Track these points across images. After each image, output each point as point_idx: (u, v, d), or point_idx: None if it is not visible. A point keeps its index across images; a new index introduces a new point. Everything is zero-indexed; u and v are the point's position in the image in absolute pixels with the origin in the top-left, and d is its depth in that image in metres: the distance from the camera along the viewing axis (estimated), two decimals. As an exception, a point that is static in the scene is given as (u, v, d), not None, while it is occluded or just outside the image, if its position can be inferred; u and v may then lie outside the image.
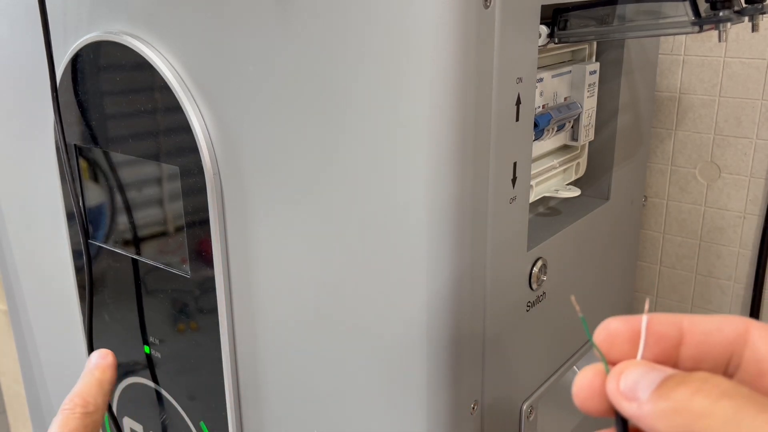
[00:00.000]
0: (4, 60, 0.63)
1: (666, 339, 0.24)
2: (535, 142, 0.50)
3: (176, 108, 0.49)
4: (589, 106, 0.55)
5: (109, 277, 0.60)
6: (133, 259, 0.57)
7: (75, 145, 0.58)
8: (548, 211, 0.58)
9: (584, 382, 0.24)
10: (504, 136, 0.42)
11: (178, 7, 0.47)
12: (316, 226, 0.45)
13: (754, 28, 0.48)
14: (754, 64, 0.70)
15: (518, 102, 0.43)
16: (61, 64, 0.56)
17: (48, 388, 0.77)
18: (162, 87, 0.49)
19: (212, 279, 0.51)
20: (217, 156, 0.49)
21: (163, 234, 0.54)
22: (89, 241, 0.60)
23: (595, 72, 0.55)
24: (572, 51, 0.56)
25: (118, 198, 0.57)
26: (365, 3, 0.38)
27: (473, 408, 0.46)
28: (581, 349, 0.59)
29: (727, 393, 0.21)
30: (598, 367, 0.24)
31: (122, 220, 0.57)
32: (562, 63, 0.55)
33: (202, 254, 0.51)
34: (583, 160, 0.60)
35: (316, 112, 0.42)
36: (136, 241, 0.57)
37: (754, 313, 0.76)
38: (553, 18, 0.48)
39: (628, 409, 0.23)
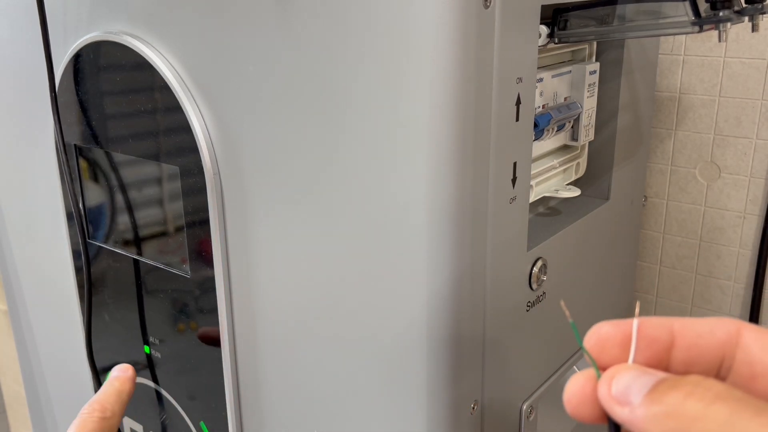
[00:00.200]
0: (4, 60, 0.63)
1: (657, 343, 0.24)
2: (535, 142, 0.50)
3: (176, 108, 0.49)
4: (589, 106, 0.55)
5: (109, 277, 0.60)
6: (133, 259, 0.57)
7: (75, 145, 0.58)
8: (548, 211, 0.58)
9: (575, 388, 0.24)
10: (504, 136, 0.42)
11: (178, 7, 0.47)
12: (316, 226, 0.45)
13: (754, 28, 0.48)
14: (754, 64, 0.70)
15: (518, 102, 0.43)
16: (61, 64, 0.56)
17: (48, 388, 0.77)
18: (162, 87, 0.49)
19: (212, 279, 0.51)
20: (217, 156, 0.49)
21: (163, 234, 0.54)
22: (89, 241, 0.60)
23: (595, 72, 0.55)
24: (572, 51, 0.56)
25: (118, 198, 0.57)
26: (365, 3, 0.38)
27: (473, 408, 0.46)
28: (581, 349, 0.59)
29: (720, 396, 0.20)
30: (589, 372, 0.24)
31: (122, 220, 0.57)
32: (562, 63, 0.55)
33: (202, 254, 0.51)
34: (583, 160, 0.60)
35: (316, 112, 0.42)
36: (136, 241, 0.57)
37: (754, 312, 0.76)
38: (553, 18, 0.48)
39: (620, 413, 0.22)
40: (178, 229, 0.53)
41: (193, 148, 0.49)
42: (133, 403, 0.63)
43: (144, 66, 0.49)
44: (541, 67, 0.51)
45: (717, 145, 0.75)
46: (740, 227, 0.76)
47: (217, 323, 0.52)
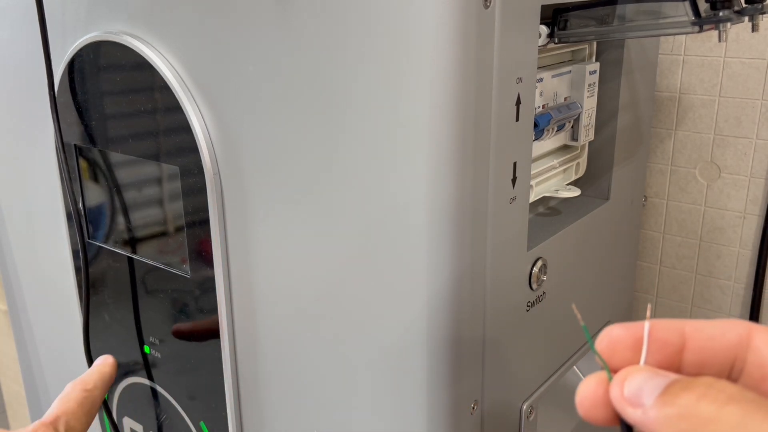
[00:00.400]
0: (3, 60, 0.63)
1: (668, 345, 0.24)
2: (535, 142, 0.50)
3: (176, 108, 0.49)
4: (589, 106, 0.55)
5: (108, 277, 0.60)
6: (132, 259, 0.57)
7: (75, 145, 0.58)
8: (548, 211, 0.58)
9: (587, 391, 0.24)
10: (504, 136, 0.42)
11: (178, 7, 0.47)
12: (316, 226, 0.45)
13: (754, 28, 0.48)
14: (754, 64, 0.70)
15: (518, 102, 0.43)
16: (60, 64, 0.56)
17: (48, 388, 0.77)
18: (162, 87, 0.49)
19: (212, 279, 0.51)
20: (217, 156, 0.49)
21: (163, 234, 0.54)
22: (89, 241, 0.60)
23: (595, 72, 0.55)
24: (572, 51, 0.56)
25: (118, 198, 0.57)
26: (365, 3, 0.38)
27: (473, 408, 0.46)
28: (581, 349, 0.59)
29: (733, 398, 0.20)
30: (600, 375, 0.24)
31: (122, 220, 0.57)
32: (562, 63, 0.55)
33: (202, 254, 0.51)
34: (583, 160, 0.60)
35: (316, 112, 0.42)
36: (136, 241, 0.57)
37: (754, 312, 0.76)
38: (553, 18, 0.48)
39: (632, 415, 0.22)
40: (178, 229, 0.52)
41: (193, 148, 0.49)
42: (133, 403, 0.63)
43: (144, 66, 0.49)
44: (541, 67, 0.51)
45: (717, 145, 0.75)
46: (740, 227, 0.76)
47: (216, 323, 0.52)
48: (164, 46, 0.49)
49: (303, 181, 0.45)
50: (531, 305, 0.50)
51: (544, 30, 0.47)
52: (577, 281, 0.57)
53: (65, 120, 0.58)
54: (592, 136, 0.58)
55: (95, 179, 0.58)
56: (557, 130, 0.53)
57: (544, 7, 0.44)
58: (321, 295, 0.46)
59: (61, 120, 0.56)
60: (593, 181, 0.61)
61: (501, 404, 0.49)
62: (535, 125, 0.48)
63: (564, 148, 0.58)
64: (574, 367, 0.59)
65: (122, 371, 0.62)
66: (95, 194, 0.59)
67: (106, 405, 0.59)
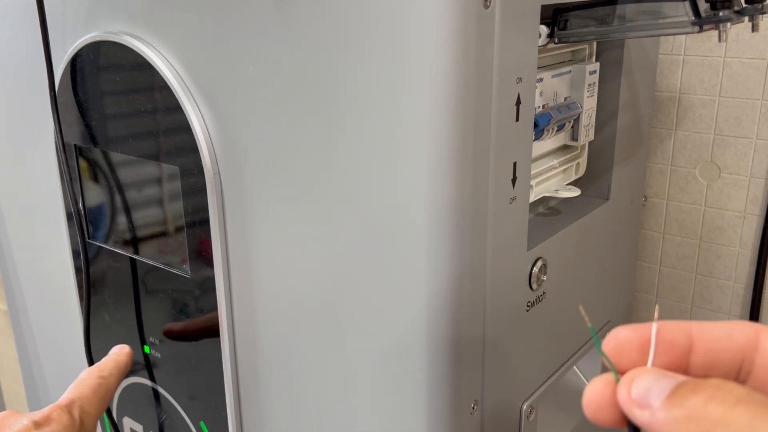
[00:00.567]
0: (4, 60, 0.63)
1: (676, 347, 0.24)
2: (535, 142, 0.50)
3: (176, 108, 0.49)
4: (589, 106, 0.55)
5: (109, 277, 0.60)
6: (133, 259, 0.57)
7: (75, 145, 0.58)
8: (548, 211, 0.58)
9: (594, 393, 0.24)
10: (504, 136, 0.42)
11: (178, 7, 0.47)
12: (316, 226, 0.45)
13: (754, 28, 0.48)
14: (754, 64, 0.70)
15: (518, 102, 0.43)
16: (61, 64, 0.56)
17: (48, 388, 0.77)
18: (162, 87, 0.49)
19: (212, 279, 0.51)
20: (217, 156, 0.49)
21: (163, 234, 0.54)
22: (89, 241, 0.60)
23: (595, 72, 0.55)
24: (572, 51, 0.56)
25: (118, 198, 0.57)
26: (365, 3, 0.38)
27: (473, 408, 0.46)
28: (581, 349, 0.59)
29: (742, 400, 0.20)
30: (607, 377, 0.24)
31: (122, 220, 0.57)
32: (562, 63, 0.55)
33: (202, 254, 0.51)
34: (583, 160, 0.60)
35: (316, 111, 0.42)
36: (136, 241, 0.57)
37: (754, 312, 0.76)
38: (553, 18, 0.48)
39: (640, 416, 0.22)
40: (178, 229, 0.52)
41: (193, 148, 0.49)
42: (133, 403, 0.63)
43: (144, 66, 0.49)
44: (541, 67, 0.51)
45: (717, 145, 0.75)
46: (740, 227, 0.76)
47: (216, 323, 0.52)
48: (164, 46, 0.49)
49: (303, 181, 0.45)
50: (531, 305, 0.50)
51: (544, 30, 0.47)
52: (577, 281, 0.57)
53: (65, 120, 0.58)
54: (592, 136, 0.58)
55: (95, 179, 0.58)
56: (557, 130, 0.53)
57: (544, 7, 0.44)
58: (321, 295, 0.46)
59: (61, 120, 0.56)
60: (593, 181, 0.61)
61: (501, 404, 0.49)
62: (535, 125, 0.48)
63: (564, 148, 0.58)
64: (574, 367, 0.59)
65: (122, 371, 0.62)
66: (95, 194, 0.59)
67: (106, 405, 0.59)
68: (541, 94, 0.51)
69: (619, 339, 0.24)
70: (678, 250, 0.80)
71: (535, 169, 0.53)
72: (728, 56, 0.72)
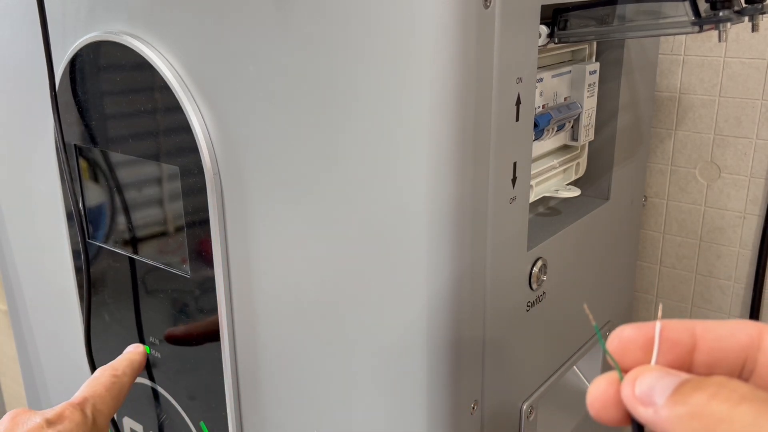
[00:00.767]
0: (4, 60, 0.63)
1: (679, 345, 0.24)
2: (535, 142, 0.50)
3: (176, 108, 0.49)
4: (589, 106, 0.55)
5: (109, 277, 0.60)
6: (133, 259, 0.57)
7: (75, 145, 0.58)
8: (548, 211, 0.58)
9: (598, 391, 0.24)
10: (504, 136, 0.42)
11: (178, 7, 0.47)
12: (316, 226, 0.45)
13: (754, 28, 0.48)
14: (754, 64, 0.70)
15: (518, 102, 0.43)
16: (61, 64, 0.56)
17: (48, 388, 0.77)
18: (162, 87, 0.49)
19: (212, 279, 0.51)
20: (217, 156, 0.49)
21: (163, 234, 0.54)
22: (89, 241, 0.60)
23: (595, 72, 0.55)
24: (572, 51, 0.56)
25: (118, 198, 0.57)
26: (365, 3, 0.38)
27: (473, 408, 0.46)
28: (581, 349, 0.59)
29: (746, 397, 0.20)
30: (611, 375, 0.24)
31: (122, 220, 0.57)
32: (562, 63, 0.55)
33: (202, 254, 0.51)
34: (583, 160, 0.60)
35: (317, 112, 0.42)
36: (136, 241, 0.57)
37: (754, 312, 0.76)
38: (553, 18, 0.48)
39: (644, 414, 0.22)
40: (178, 229, 0.52)
41: (193, 148, 0.49)
42: (133, 403, 0.63)
43: (144, 66, 0.49)
44: (541, 67, 0.51)
45: (717, 145, 0.75)
46: (740, 227, 0.76)
47: (216, 323, 0.52)
48: (164, 46, 0.49)
49: (303, 181, 0.45)
50: (531, 305, 0.50)
51: (544, 30, 0.47)
52: (577, 281, 0.57)
53: (65, 120, 0.58)
54: (592, 136, 0.58)
55: (95, 179, 0.58)
56: (557, 130, 0.53)
57: (544, 7, 0.44)
58: (321, 295, 0.46)
59: (61, 120, 0.56)
60: (593, 181, 0.61)
61: (501, 404, 0.49)
62: (535, 125, 0.48)
63: (564, 148, 0.58)
64: (574, 367, 0.59)
65: (122, 371, 0.62)
66: (95, 194, 0.59)
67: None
68: (541, 94, 0.51)
69: (623, 337, 0.24)
70: (678, 250, 0.80)
71: (535, 169, 0.53)
72: (728, 56, 0.72)
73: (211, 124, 0.48)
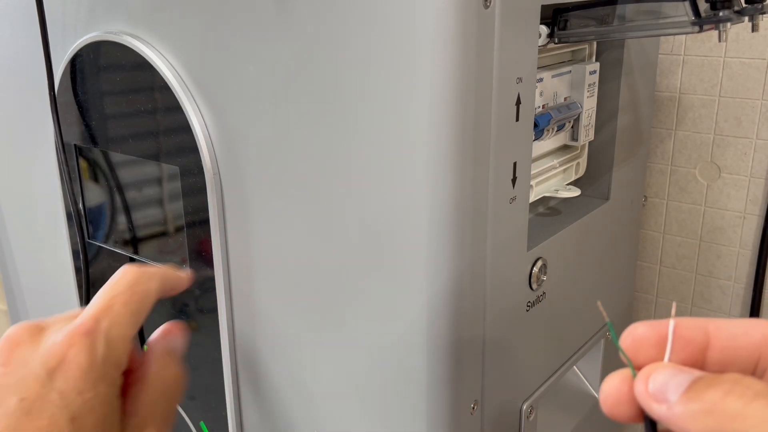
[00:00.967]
0: (4, 60, 0.63)
1: (692, 343, 0.24)
2: (535, 142, 0.50)
3: (176, 108, 0.49)
4: (589, 106, 0.55)
5: (109, 278, 0.60)
6: (133, 259, 0.57)
7: (75, 145, 0.58)
8: (548, 211, 0.58)
9: (611, 388, 0.24)
10: (504, 136, 0.42)
11: (178, 7, 0.47)
12: (316, 227, 0.45)
13: (754, 28, 0.48)
14: (754, 64, 0.70)
15: (518, 102, 0.43)
16: (60, 64, 0.56)
17: (48, 388, 0.77)
18: (162, 87, 0.49)
19: (212, 279, 0.51)
20: (217, 156, 0.49)
21: (163, 234, 0.54)
22: (89, 241, 0.60)
23: (595, 72, 0.55)
24: (572, 51, 0.56)
25: (118, 198, 0.57)
26: (365, 4, 0.38)
27: (473, 408, 0.46)
28: (581, 349, 0.59)
29: (760, 394, 0.20)
30: (624, 372, 0.24)
31: (122, 220, 0.57)
32: (562, 63, 0.55)
33: (202, 254, 0.51)
34: (583, 160, 0.60)
35: (316, 112, 0.42)
36: (136, 241, 0.57)
37: (754, 313, 0.76)
38: (553, 18, 0.48)
39: (657, 410, 0.22)
40: (178, 229, 0.52)
41: (193, 148, 0.49)
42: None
43: (144, 66, 0.49)
44: (541, 67, 0.51)
45: (717, 145, 0.75)
46: (740, 227, 0.76)
47: (217, 323, 0.52)
48: (164, 46, 0.49)
49: (303, 181, 0.45)
50: (531, 305, 0.50)
51: (544, 30, 0.47)
52: (577, 281, 0.57)
53: (65, 120, 0.58)
54: (592, 136, 0.58)
55: (95, 179, 0.58)
56: (557, 130, 0.53)
57: (544, 7, 0.44)
58: (321, 295, 0.46)
59: (61, 120, 0.56)
60: (593, 181, 0.61)
61: (501, 404, 0.49)
62: (535, 125, 0.48)
63: (564, 148, 0.58)
64: (574, 367, 0.59)
65: (122, 371, 0.62)
66: (95, 194, 0.59)
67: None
68: (541, 94, 0.51)
69: (636, 335, 0.24)
70: (678, 250, 0.80)
71: (535, 169, 0.53)
72: (728, 56, 0.72)
73: (211, 124, 0.48)
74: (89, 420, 0.30)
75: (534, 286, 0.49)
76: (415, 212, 0.40)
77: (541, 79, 0.50)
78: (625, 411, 0.24)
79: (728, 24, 0.44)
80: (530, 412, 0.52)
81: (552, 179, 0.56)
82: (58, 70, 0.56)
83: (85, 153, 0.58)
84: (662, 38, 0.72)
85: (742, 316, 0.78)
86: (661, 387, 0.23)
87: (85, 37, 0.53)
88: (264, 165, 0.46)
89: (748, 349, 0.24)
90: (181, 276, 0.39)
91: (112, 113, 0.54)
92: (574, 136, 0.56)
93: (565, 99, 0.54)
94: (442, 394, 0.43)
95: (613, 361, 0.65)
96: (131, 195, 0.56)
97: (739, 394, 0.21)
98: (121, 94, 0.53)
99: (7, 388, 0.30)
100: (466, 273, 0.42)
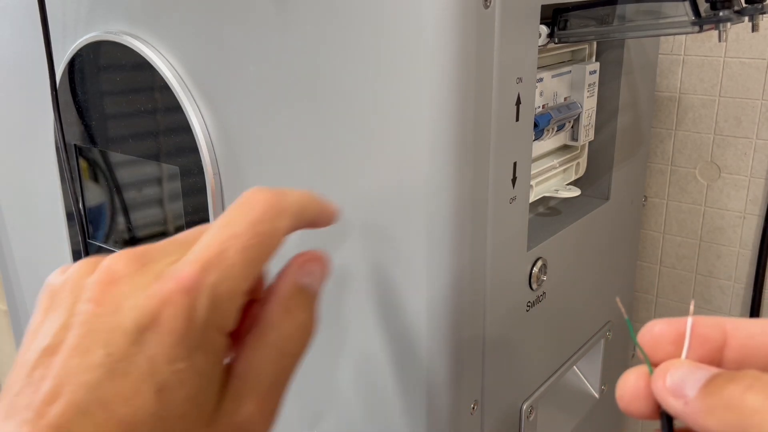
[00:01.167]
0: (4, 60, 0.63)
1: (710, 341, 0.24)
2: (535, 142, 0.50)
3: (176, 108, 0.49)
4: (589, 106, 0.55)
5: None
6: (133, 259, 0.57)
7: (75, 145, 0.58)
8: (548, 211, 0.58)
9: (628, 384, 0.24)
10: (504, 136, 0.42)
11: (178, 7, 0.47)
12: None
13: (754, 28, 0.48)
14: (754, 64, 0.70)
15: (518, 102, 0.43)
16: (61, 64, 0.56)
17: (48, 388, 0.77)
18: (162, 87, 0.49)
19: (212, 279, 0.51)
20: (217, 156, 0.49)
21: (164, 234, 0.54)
22: (89, 241, 0.60)
23: (595, 72, 0.55)
24: (572, 51, 0.56)
25: (119, 198, 0.57)
26: (365, 4, 0.38)
27: (473, 408, 0.46)
28: (581, 349, 0.59)
29: None
30: (640, 368, 0.24)
31: (122, 220, 0.57)
32: (562, 63, 0.55)
33: (202, 254, 0.51)
34: (583, 160, 0.60)
35: (316, 112, 0.42)
36: (136, 241, 0.57)
37: (754, 313, 0.76)
38: (553, 18, 0.48)
39: (674, 405, 0.23)
40: (178, 229, 0.52)
41: (193, 148, 0.49)
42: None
43: (144, 66, 0.49)
44: (541, 67, 0.51)
45: (717, 145, 0.75)
46: (740, 227, 0.76)
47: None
48: (164, 46, 0.49)
49: (303, 181, 0.45)
50: (531, 305, 0.50)
51: (544, 30, 0.47)
52: (577, 281, 0.57)
53: (65, 120, 0.58)
54: (592, 136, 0.58)
55: (95, 179, 0.58)
56: (557, 130, 0.53)
57: (544, 7, 0.44)
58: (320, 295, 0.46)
59: (61, 120, 0.56)
60: (593, 181, 0.61)
61: (501, 404, 0.49)
62: (535, 125, 0.48)
63: (564, 148, 0.58)
64: (574, 367, 0.59)
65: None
66: (95, 194, 0.59)
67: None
68: (541, 94, 0.51)
69: (654, 332, 0.25)
70: (678, 250, 0.80)
71: (535, 169, 0.53)
72: (728, 56, 0.72)
73: (211, 124, 0.48)
74: (179, 394, 0.24)
75: (534, 286, 0.49)
76: (415, 212, 0.40)
77: (541, 79, 0.50)
78: (641, 407, 0.24)
79: (728, 24, 0.44)
80: (530, 412, 0.52)
81: (552, 179, 0.56)
82: (58, 70, 0.56)
83: (85, 153, 0.58)
84: (662, 38, 0.72)
85: (742, 316, 0.78)
86: (679, 382, 0.23)
87: (85, 37, 0.53)
88: (264, 165, 0.46)
89: (766, 348, 0.24)
90: (326, 207, 0.31)
91: (112, 113, 0.54)
92: (574, 136, 0.56)
93: (565, 99, 0.54)
94: (442, 394, 0.43)
95: (613, 361, 0.65)
96: (131, 195, 0.56)
97: (759, 390, 0.21)
98: (121, 94, 0.53)
99: (96, 335, 0.24)
100: (466, 273, 0.42)
